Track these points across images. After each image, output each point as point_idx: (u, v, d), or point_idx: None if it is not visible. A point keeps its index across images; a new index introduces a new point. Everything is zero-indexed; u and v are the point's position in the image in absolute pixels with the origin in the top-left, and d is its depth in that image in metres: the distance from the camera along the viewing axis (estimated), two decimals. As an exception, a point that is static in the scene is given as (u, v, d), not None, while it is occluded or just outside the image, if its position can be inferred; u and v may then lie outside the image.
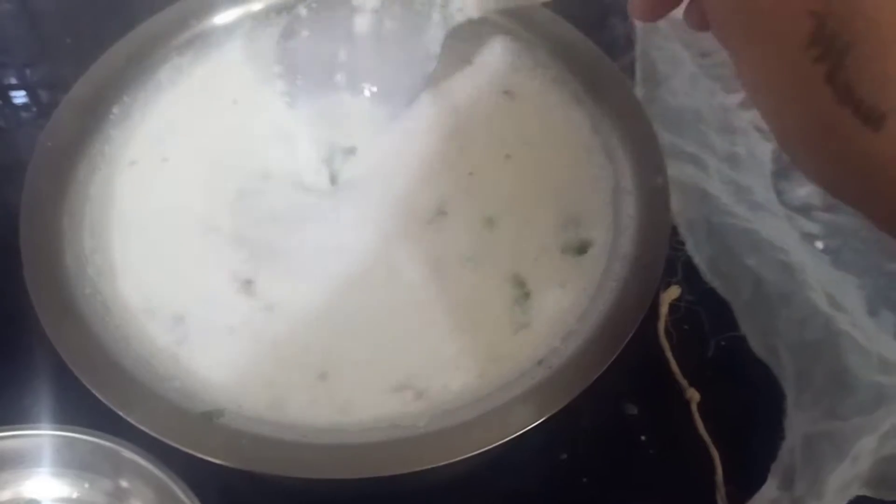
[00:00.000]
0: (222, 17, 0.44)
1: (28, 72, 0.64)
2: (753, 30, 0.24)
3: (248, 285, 0.36)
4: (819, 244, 0.51)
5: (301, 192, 0.39)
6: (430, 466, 0.30)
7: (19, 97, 0.63)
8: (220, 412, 0.32)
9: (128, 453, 0.39)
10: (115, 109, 0.41)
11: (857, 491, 0.42)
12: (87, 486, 0.41)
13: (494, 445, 0.30)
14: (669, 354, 0.48)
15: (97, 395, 0.31)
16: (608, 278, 0.35)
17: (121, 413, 0.31)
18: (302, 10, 0.39)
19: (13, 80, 0.63)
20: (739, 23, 0.24)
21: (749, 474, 0.43)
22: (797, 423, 0.44)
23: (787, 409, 0.45)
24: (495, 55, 0.43)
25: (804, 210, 0.53)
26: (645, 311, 0.34)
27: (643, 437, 0.46)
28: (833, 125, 0.22)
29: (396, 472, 0.30)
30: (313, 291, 0.36)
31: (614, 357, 0.32)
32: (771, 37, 0.23)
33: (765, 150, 0.55)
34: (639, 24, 0.60)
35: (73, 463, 0.41)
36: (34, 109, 0.62)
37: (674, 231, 0.51)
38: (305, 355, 0.34)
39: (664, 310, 0.49)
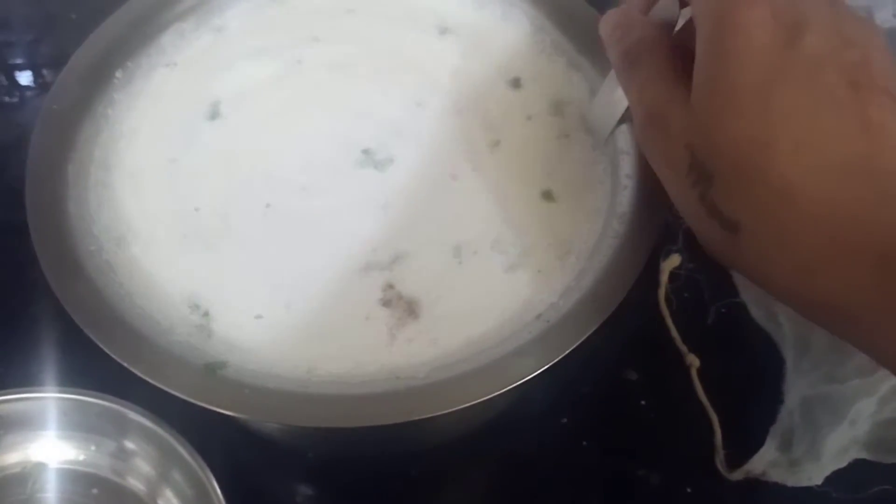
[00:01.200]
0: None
1: (33, 50, 0.64)
2: (661, 155, 0.31)
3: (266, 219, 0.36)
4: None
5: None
6: (428, 416, 0.30)
7: (25, 76, 0.63)
8: (222, 364, 0.32)
9: (133, 415, 0.40)
10: (118, 73, 0.41)
11: (856, 454, 0.43)
12: (93, 448, 0.42)
13: (492, 396, 0.31)
14: (670, 321, 0.49)
15: (103, 347, 0.31)
16: (606, 236, 0.36)
17: (126, 365, 0.31)
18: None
19: (19, 60, 0.64)
20: (649, 148, 0.32)
21: (748, 438, 0.44)
22: (796, 387, 0.44)
23: (786, 373, 0.45)
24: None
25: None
26: (641, 268, 0.34)
27: (643, 402, 0.46)
28: (708, 230, 0.29)
29: (395, 420, 0.30)
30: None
31: (611, 311, 0.32)
32: (668, 163, 0.30)
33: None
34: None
35: (79, 425, 0.42)
36: (40, 87, 0.63)
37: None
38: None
39: (664, 278, 0.50)
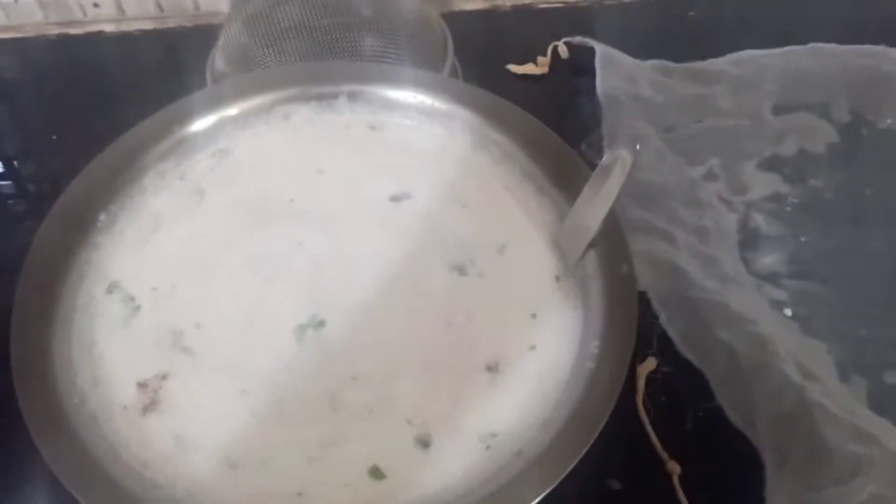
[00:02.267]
0: (201, 123, 0.45)
1: (15, 164, 0.66)
2: None
3: (275, 407, 0.37)
4: (787, 311, 0.53)
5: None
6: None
7: (6, 187, 0.64)
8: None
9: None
10: (102, 217, 0.42)
11: (839, 559, 0.43)
12: None
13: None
14: (649, 427, 0.49)
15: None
16: (580, 366, 0.37)
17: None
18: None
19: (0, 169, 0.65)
20: None
21: (732, 546, 0.44)
22: (776, 496, 0.45)
23: (766, 479, 0.46)
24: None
25: (771, 278, 0.55)
26: (616, 397, 0.35)
27: (628, 512, 0.47)
28: None
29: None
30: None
31: (588, 447, 0.33)
32: None
33: (730, 220, 0.58)
34: (604, 103, 0.63)
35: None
36: (23, 200, 0.64)
37: (648, 304, 0.53)
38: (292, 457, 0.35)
39: (641, 383, 0.51)
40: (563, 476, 0.33)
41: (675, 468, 0.47)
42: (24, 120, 0.69)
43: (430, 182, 0.45)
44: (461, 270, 0.42)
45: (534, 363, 0.38)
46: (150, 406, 0.36)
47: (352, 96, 0.47)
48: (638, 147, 0.38)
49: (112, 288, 0.41)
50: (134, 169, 0.44)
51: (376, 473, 0.35)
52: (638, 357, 0.51)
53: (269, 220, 0.43)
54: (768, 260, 0.56)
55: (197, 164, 0.45)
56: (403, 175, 0.45)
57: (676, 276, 0.52)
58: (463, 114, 0.46)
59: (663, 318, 0.52)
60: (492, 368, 0.38)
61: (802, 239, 0.57)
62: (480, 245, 0.43)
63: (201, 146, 0.45)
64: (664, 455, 0.48)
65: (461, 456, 0.35)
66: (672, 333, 0.51)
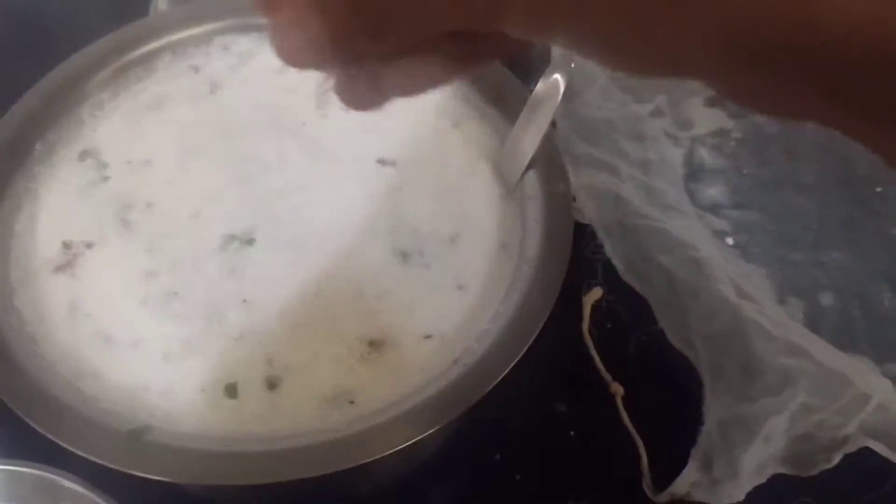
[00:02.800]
0: (139, 52, 0.45)
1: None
2: None
3: (166, 298, 0.37)
4: (729, 240, 0.54)
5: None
6: (349, 466, 0.31)
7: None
8: (147, 429, 0.33)
9: (67, 483, 0.40)
10: (38, 146, 0.42)
11: (774, 469, 0.45)
12: (26, 518, 0.42)
13: (410, 443, 0.32)
14: (594, 352, 0.50)
15: (25, 419, 0.32)
16: (517, 279, 0.37)
17: (49, 435, 0.32)
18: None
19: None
20: None
21: (672, 460, 0.46)
22: (713, 409, 0.46)
23: (704, 396, 0.47)
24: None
25: (714, 209, 0.56)
26: (550, 308, 0.36)
27: (572, 433, 0.48)
28: None
29: (318, 472, 0.31)
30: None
31: (522, 353, 0.34)
32: None
33: (676, 154, 0.59)
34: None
35: (14, 497, 0.41)
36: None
37: (593, 235, 0.54)
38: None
39: (587, 311, 0.52)
40: (497, 381, 0.33)
41: (618, 389, 0.49)
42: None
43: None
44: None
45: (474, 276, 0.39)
46: (63, 266, 0.37)
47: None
48: (573, 66, 0.38)
49: (86, 155, 0.41)
50: (72, 98, 0.43)
51: (230, 391, 0.36)
52: (583, 287, 0.52)
53: (276, 131, 0.44)
54: (711, 191, 0.57)
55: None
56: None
57: (620, 205, 0.53)
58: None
59: (608, 248, 0.53)
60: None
61: (745, 171, 0.58)
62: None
63: (139, 77, 0.45)
64: (608, 377, 0.49)
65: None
66: (616, 262, 0.52)
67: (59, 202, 0.41)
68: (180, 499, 0.43)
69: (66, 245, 0.39)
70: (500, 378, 0.34)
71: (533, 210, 0.40)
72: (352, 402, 0.35)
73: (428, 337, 0.37)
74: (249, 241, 0.40)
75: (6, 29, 0.65)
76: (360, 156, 0.43)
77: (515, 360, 0.34)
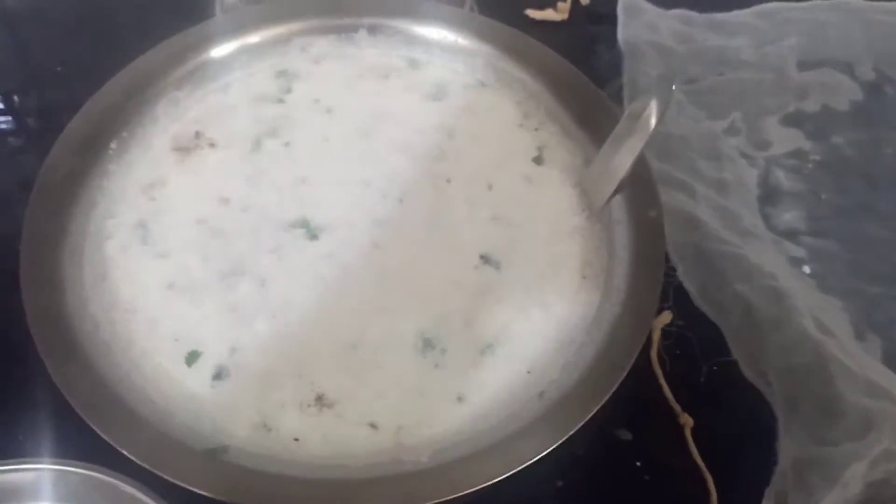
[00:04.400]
0: (218, 51, 0.44)
1: (16, 98, 0.64)
2: None
3: (248, 319, 0.36)
4: (805, 268, 0.52)
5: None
6: (434, 502, 0.30)
7: (5, 123, 0.62)
8: (223, 448, 0.32)
9: (126, 487, 0.39)
10: (113, 144, 0.41)
11: (849, 514, 0.43)
12: (84, 520, 0.41)
13: (497, 480, 0.31)
14: (662, 380, 0.49)
15: (102, 434, 0.31)
16: (603, 310, 0.36)
17: (124, 451, 0.31)
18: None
19: (0, 106, 0.63)
20: None
21: (743, 499, 0.44)
22: (788, 448, 0.44)
23: (778, 433, 0.45)
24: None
25: (790, 235, 0.54)
26: (642, 343, 0.34)
27: (638, 463, 0.46)
28: None
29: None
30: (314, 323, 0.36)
31: (614, 389, 0.33)
32: None
33: (751, 175, 0.57)
34: (626, 51, 0.61)
35: (71, 497, 0.41)
36: (23, 136, 0.62)
37: (665, 257, 0.52)
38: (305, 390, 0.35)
39: (656, 335, 0.50)
40: (586, 419, 0.32)
41: (687, 420, 0.47)
42: (26, 52, 0.67)
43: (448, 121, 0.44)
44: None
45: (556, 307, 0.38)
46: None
47: (372, 30, 0.46)
48: (674, 88, 0.37)
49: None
50: (147, 94, 0.42)
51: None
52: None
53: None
54: (788, 216, 0.55)
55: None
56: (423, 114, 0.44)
57: (694, 228, 0.51)
58: (486, 50, 0.45)
59: (680, 272, 0.51)
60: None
61: (823, 196, 0.56)
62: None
63: (216, 73, 0.44)
64: (677, 407, 0.48)
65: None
66: (688, 286, 0.51)
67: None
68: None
69: None
70: (590, 416, 0.32)
71: (621, 236, 0.38)
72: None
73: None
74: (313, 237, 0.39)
75: (76, 24, 0.65)
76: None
77: (606, 398, 0.33)
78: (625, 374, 0.33)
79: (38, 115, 0.62)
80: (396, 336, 0.36)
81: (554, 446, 0.32)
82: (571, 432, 0.32)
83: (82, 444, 0.39)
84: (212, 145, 0.42)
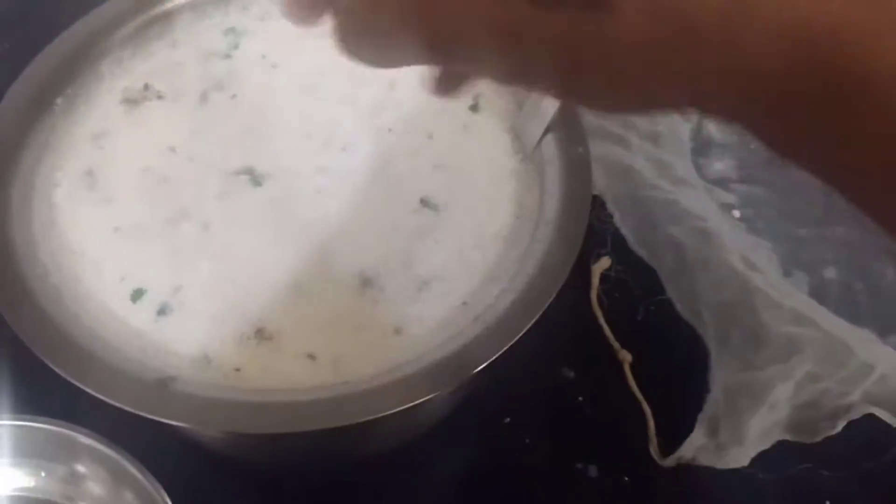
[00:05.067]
0: (162, 8, 0.45)
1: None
2: None
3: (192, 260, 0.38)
4: (736, 213, 0.55)
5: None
6: (372, 417, 0.32)
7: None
8: (172, 378, 0.33)
9: (83, 438, 0.40)
10: (59, 101, 0.42)
11: (779, 436, 0.46)
12: (43, 474, 0.42)
13: (430, 396, 0.32)
14: (602, 321, 0.51)
15: (55, 368, 0.32)
16: (535, 240, 0.38)
17: (79, 384, 0.32)
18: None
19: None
20: None
21: (679, 426, 0.47)
22: (719, 377, 0.47)
23: (710, 364, 0.48)
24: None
25: (721, 182, 0.57)
26: (569, 268, 0.36)
27: (580, 398, 0.49)
28: (562, 28, 0.22)
29: (341, 423, 0.32)
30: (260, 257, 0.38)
31: (544, 308, 0.35)
32: None
33: (684, 128, 0.59)
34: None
35: (30, 452, 0.42)
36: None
37: (602, 205, 0.55)
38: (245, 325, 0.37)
39: (596, 280, 0.52)
40: (516, 339, 0.34)
41: (626, 356, 0.50)
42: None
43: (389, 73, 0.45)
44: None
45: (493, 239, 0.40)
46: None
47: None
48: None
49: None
50: (92, 53, 0.43)
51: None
52: (592, 256, 0.53)
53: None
54: (719, 165, 0.58)
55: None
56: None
57: (630, 177, 0.54)
58: None
59: (617, 218, 0.54)
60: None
61: (752, 146, 0.59)
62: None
63: (161, 34, 0.45)
64: (616, 345, 0.50)
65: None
66: (625, 232, 0.53)
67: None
68: (197, 453, 0.43)
69: None
70: (520, 335, 0.34)
71: (552, 173, 0.40)
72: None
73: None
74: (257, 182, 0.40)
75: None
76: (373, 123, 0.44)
77: (535, 318, 0.35)
78: (553, 296, 0.35)
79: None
80: (336, 276, 0.38)
81: (488, 362, 0.33)
82: (503, 349, 0.34)
83: (38, 399, 0.40)
84: (160, 97, 0.43)
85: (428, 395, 0.32)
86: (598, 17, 0.21)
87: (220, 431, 0.35)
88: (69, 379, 0.32)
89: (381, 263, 0.39)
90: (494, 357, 0.33)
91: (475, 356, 0.34)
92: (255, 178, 0.41)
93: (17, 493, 0.42)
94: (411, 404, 0.32)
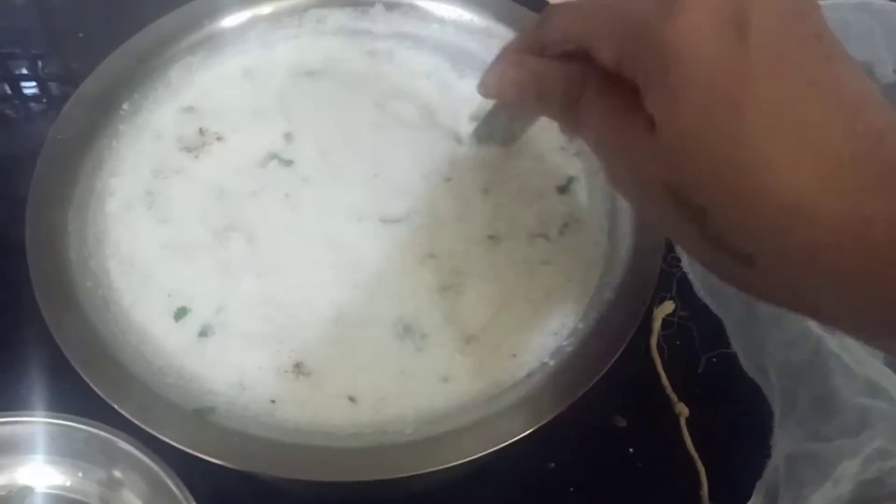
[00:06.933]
0: (232, 20, 0.44)
1: (39, 63, 0.65)
2: (641, 199, 0.28)
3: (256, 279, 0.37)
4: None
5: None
6: (414, 473, 0.30)
7: (29, 88, 0.63)
8: (210, 409, 0.32)
9: (123, 444, 0.40)
10: (126, 105, 0.41)
11: (839, 512, 0.43)
12: (80, 474, 0.42)
13: (478, 456, 0.31)
14: (660, 368, 0.49)
15: (93, 387, 0.31)
16: (599, 293, 0.36)
17: (115, 406, 0.31)
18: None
19: (24, 71, 0.64)
20: (627, 194, 0.29)
21: (734, 490, 0.44)
22: (782, 443, 0.44)
23: (773, 427, 0.45)
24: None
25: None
26: (634, 329, 0.34)
27: (631, 450, 0.47)
28: (717, 263, 0.26)
29: (381, 476, 0.30)
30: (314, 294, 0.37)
31: (603, 373, 0.33)
32: (652, 204, 0.26)
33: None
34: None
35: (68, 451, 0.42)
36: (44, 101, 0.63)
37: (669, 247, 0.52)
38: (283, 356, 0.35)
39: (657, 324, 0.50)
40: (577, 397, 0.32)
41: (683, 410, 0.47)
42: (50, 18, 0.67)
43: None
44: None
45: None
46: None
47: (389, 6, 0.46)
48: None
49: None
50: (160, 60, 0.42)
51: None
52: (655, 299, 0.51)
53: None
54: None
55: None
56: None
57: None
58: (502, 31, 0.44)
59: (684, 262, 0.51)
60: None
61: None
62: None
63: (231, 42, 0.44)
64: (673, 396, 0.48)
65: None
66: (692, 277, 0.51)
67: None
68: (233, 474, 0.42)
69: None
70: (575, 398, 0.32)
71: (623, 223, 0.38)
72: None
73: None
74: None
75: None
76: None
77: (594, 381, 0.33)
78: (614, 359, 0.33)
79: (60, 81, 0.63)
80: (375, 317, 0.36)
81: (537, 426, 0.32)
82: (556, 413, 0.32)
83: (80, 400, 0.39)
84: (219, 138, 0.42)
85: (472, 455, 0.31)
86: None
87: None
88: (107, 400, 0.32)
89: (422, 314, 0.37)
90: (544, 422, 0.31)
91: (523, 419, 0.32)
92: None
93: (51, 491, 0.42)
94: (455, 463, 0.31)
